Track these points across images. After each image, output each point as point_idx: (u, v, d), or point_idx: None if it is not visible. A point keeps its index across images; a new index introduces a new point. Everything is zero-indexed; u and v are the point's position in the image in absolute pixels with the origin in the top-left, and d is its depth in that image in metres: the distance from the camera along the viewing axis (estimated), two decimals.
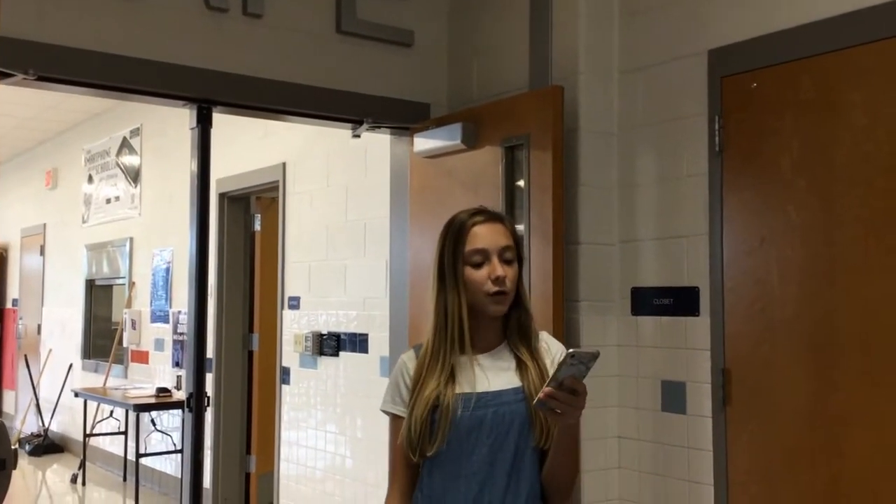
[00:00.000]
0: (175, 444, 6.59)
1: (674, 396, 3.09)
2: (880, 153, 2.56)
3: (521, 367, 1.88)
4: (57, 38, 3.03)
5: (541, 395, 1.67)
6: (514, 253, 1.90)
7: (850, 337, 2.60)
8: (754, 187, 2.87)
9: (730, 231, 2.93)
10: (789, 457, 2.73)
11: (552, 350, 1.94)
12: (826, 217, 2.67)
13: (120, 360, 7.71)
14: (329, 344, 5.07)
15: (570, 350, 1.67)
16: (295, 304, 5.42)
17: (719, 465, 2.91)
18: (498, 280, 1.85)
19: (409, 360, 1.95)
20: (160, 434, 6.79)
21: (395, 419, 1.94)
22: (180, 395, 6.29)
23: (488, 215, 1.93)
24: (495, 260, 1.86)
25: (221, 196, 6.07)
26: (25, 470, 8.12)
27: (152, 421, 6.82)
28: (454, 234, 1.90)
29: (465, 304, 1.86)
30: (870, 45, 2.58)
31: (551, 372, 1.84)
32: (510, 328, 1.92)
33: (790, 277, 2.75)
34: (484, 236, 1.88)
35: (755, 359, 2.84)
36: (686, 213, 3.09)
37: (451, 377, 1.86)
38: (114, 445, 7.59)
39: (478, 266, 1.86)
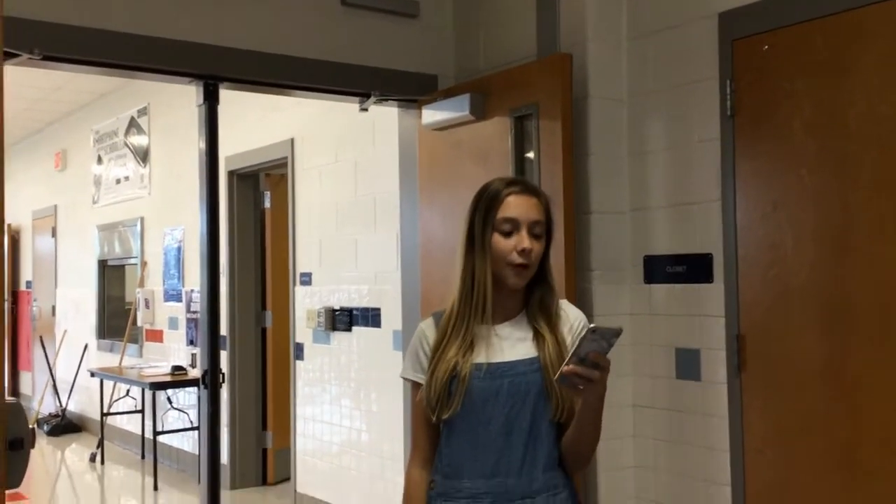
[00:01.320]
0: (192, 422, 6.64)
1: (688, 364, 3.08)
2: (894, 114, 2.52)
3: (538, 338, 1.88)
4: (62, 17, 3.02)
5: (564, 369, 1.66)
6: (544, 229, 1.89)
7: (864, 301, 2.58)
8: (767, 151, 2.84)
9: (742, 196, 2.90)
10: (804, 422, 2.72)
11: (570, 317, 1.93)
12: (840, 180, 2.64)
13: (134, 339, 7.75)
14: (342, 319, 5.08)
15: (592, 325, 1.65)
16: (307, 280, 5.43)
17: (735, 432, 2.91)
18: (524, 252, 1.84)
19: (427, 328, 1.95)
20: (176, 412, 6.84)
21: (414, 386, 1.95)
22: (195, 373, 6.33)
23: (524, 187, 1.91)
24: (524, 231, 1.85)
25: (231, 174, 6.07)
26: (44, 450, 8.20)
27: (168, 399, 6.87)
28: (487, 200, 1.88)
29: (490, 272, 1.86)
30: (882, 4, 2.54)
31: (569, 343, 1.83)
32: (532, 302, 1.92)
33: (804, 242, 2.73)
34: (517, 206, 1.86)
35: (770, 325, 2.82)
36: (698, 180, 3.06)
37: (471, 346, 1.86)
38: (131, 424, 7.65)
39: (507, 235, 1.86)
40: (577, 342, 1.64)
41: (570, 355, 1.65)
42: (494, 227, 1.86)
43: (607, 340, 1.63)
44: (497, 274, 1.86)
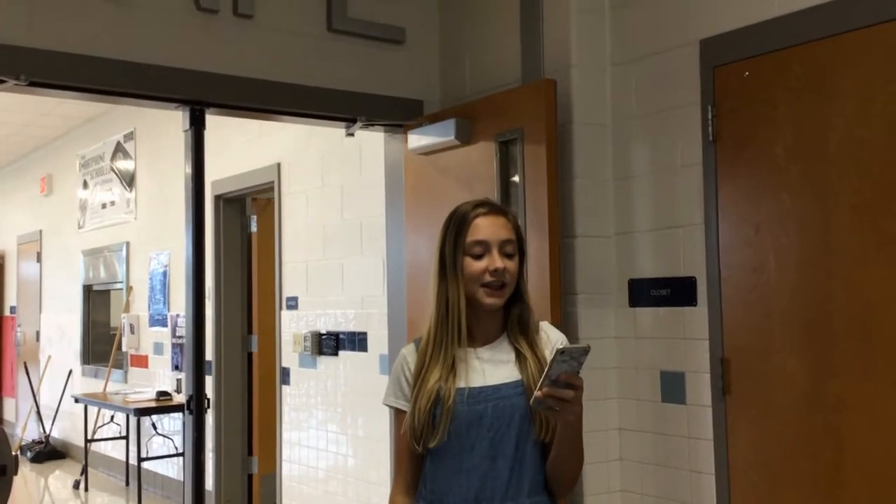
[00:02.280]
0: (177, 448, 6.58)
1: (673, 387, 3.10)
2: (874, 138, 2.56)
3: (520, 359, 1.88)
4: (47, 44, 3.03)
5: (537, 394, 1.67)
6: (516, 247, 1.90)
7: (847, 323, 2.60)
8: (749, 176, 2.87)
9: (725, 220, 2.93)
10: (789, 444, 2.73)
11: (552, 339, 1.94)
12: (821, 204, 2.67)
13: (119, 364, 7.70)
14: (328, 343, 5.07)
15: (560, 347, 1.66)
16: (293, 304, 5.42)
17: (720, 454, 2.92)
18: (496, 272, 1.85)
19: (409, 353, 1.96)
20: (161, 438, 6.79)
21: (397, 413, 1.94)
22: (180, 399, 6.29)
23: (491, 207, 1.93)
24: (495, 252, 1.86)
25: (217, 198, 6.06)
26: (28, 477, 8.11)
27: (153, 425, 6.82)
28: (456, 225, 1.90)
29: (463, 297, 1.87)
30: (860, 31, 2.59)
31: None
32: (510, 322, 1.92)
33: (787, 265, 2.75)
34: (485, 228, 1.88)
35: (754, 347, 2.84)
36: (681, 204, 3.09)
37: (453, 370, 1.86)
38: (115, 450, 7.58)
39: (477, 257, 1.87)
40: (548, 365, 1.66)
41: (542, 379, 1.66)
42: (465, 250, 1.87)
43: (577, 360, 1.65)
44: (473, 296, 1.87)
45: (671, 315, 3.11)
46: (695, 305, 3.03)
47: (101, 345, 8.40)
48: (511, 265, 1.88)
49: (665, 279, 3.14)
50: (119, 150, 7.78)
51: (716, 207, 2.95)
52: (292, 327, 5.41)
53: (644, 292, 3.21)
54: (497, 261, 1.85)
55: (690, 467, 3.03)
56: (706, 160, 2.98)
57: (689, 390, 3.05)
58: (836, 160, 2.64)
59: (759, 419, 2.82)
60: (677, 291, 3.09)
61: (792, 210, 2.74)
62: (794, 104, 2.74)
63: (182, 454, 6.30)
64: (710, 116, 2.96)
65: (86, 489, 7.30)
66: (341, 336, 4.98)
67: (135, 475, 6.69)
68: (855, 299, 2.59)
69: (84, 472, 7.34)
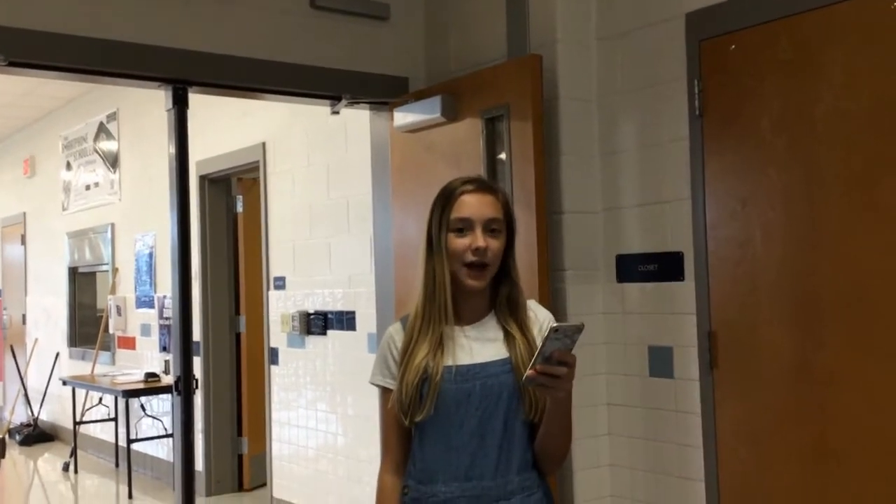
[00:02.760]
0: (166, 429, 6.58)
1: (661, 361, 3.11)
2: (860, 111, 2.56)
3: (508, 338, 1.87)
4: (27, 23, 2.98)
5: (529, 372, 1.66)
6: (503, 226, 1.88)
7: (834, 296, 2.61)
8: (735, 150, 2.87)
9: (712, 195, 2.93)
10: (777, 417, 2.75)
11: (539, 318, 1.93)
12: (807, 177, 2.67)
13: (107, 346, 7.68)
14: (316, 323, 5.06)
15: (554, 325, 1.66)
16: (281, 284, 5.41)
17: (708, 428, 2.94)
18: (478, 251, 1.83)
19: (395, 332, 1.95)
20: (150, 419, 6.79)
21: (384, 392, 1.94)
22: (169, 380, 6.27)
23: (479, 185, 1.90)
24: (478, 230, 1.84)
25: (202, 178, 6.03)
26: (17, 460, 8.10)
27: (142, 406, 6.81)
28: (442, 201, 1.88)
29: (448, 274, 1.85)
30: (847, 3, 2.57)
31: (538, 344, 1.84)
32: (499, 301, 1.91)
33: (773, 239, 2.76)
34: (470, 205, 1.86)
35: (741, 321, 2.85)
36: (668, 179, 3.09)
37: (440, 346, 1.85)
38: (104, 432, 7.57)
39: (461, 233, 1.85)
40: (541, 343, 1.65)
41: (535, 356, 1.66)
42: (449, 227, 1.85)
43: (570, 337, 1.64)
44: (455, 276, 1.86)
45: (659, 290, 3.12)
46: (682, 280, 3.04)
47: (87, 327, 8.36)
48: (495, 244, 1.86)
49: (652, 254, 3.14)
50: (102, 131, 7.71)
51: (702, 182, 2.95)
52: (280, 307, 5.40)
53: (632, 268, 3.21)
54: (479, 239, 1.83)
55: (678, 441, 3.05)
56: (693, 135, 2.98)
57: (676, 364, 3.06)
58: (823, 134, 2.64)
59: (746, 392, 2.84)
60: (664, 266, 3.10)
61: (778, 184, 2.74)
62: (780, 77, 2.74)
63: (171, 435, 6.30)
64: (696, 91, 2.95)
65: (75, 471, 7.29)
66: (329, 315, 4.98)
67: (124, 457, 6.68)
68: (841, 272, 2.60)
69: (73, 454, 7.33)
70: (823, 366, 2.63)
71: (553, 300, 3.16)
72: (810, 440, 2.66)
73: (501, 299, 1.91)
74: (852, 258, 2.57)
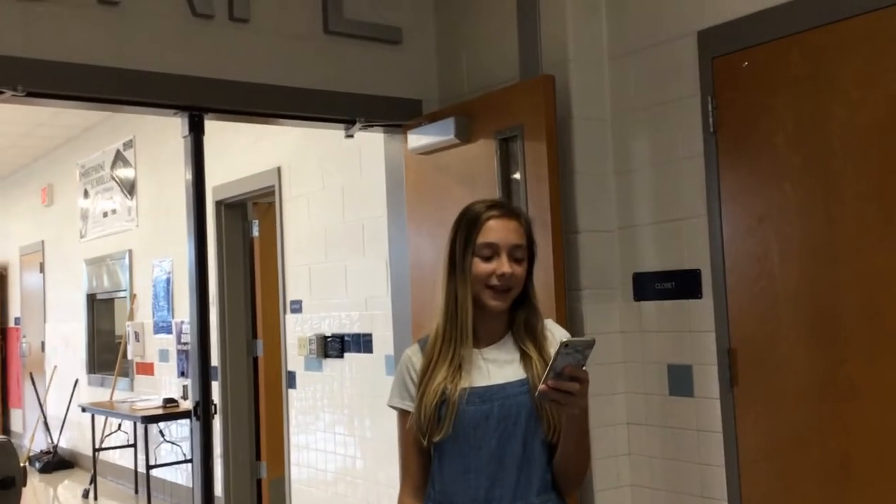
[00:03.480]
0: (185, 454, 6.58)
1: (681, 380, 3.09)
2: (875, 125, 2.55)
3: (525, 358, 1.87)
4: (44, 53, 3.02)
5: (541, 387, 1.66)
6: (525, 252, 1.89)
7: (853, 311, 2.59)
8: (750, 166, 2.86)
9: (728, 211, 2.92)
10: (799, 434, 2.72)
11: (556, 337, 1.93)
12: (823, 192, 2.66)
13: (125, 373, 7.70)
14: (333, 346, 5.06)
15: (564, 340, 1.65)
16: (297, 307, 5.42)
17: (729, 446, 2.91)
18: (503, 277, 1.84)
19: (413, 354, 1.95)
20: (169, 445, 6.79)
21: (402, 414, 1.93)
22: (187, 405, 6.29)
23: (505, 210, 1.91)
24: (504, 256, 1.85)
25: (218, 203, 6.06)
26: (37, 487, 8.12)
27: (161, 432, 6.82)
28: (468, 224, 1.89)
29: (470, 296, 1.86)
30: (859, 18, 2.57)
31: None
32: (517, 325, 1.91)
33: (791, 254, 2.74)
34: (497, 230, 1.86)
35: (760, 338, 2.83)
36: (683, 196, 3.08)
37: (459, 369, 1.85)
38: (123, 459, 7.58)
39: (486, 259, 1.86)
40: (553, 358, 1.65)
41: (546, 371, 1.65)
42: (474, 251, 1.86)
43: (581, 353, 1.63)
44: (478, 297, 1.86)
45: (676, 308, 3.10)
46: (700, 297, 3.02)
47: (106, 353, 8.40)
48: (519, 270, 1.86)
49: (669, 272, 3.13)
50: (119, 159, 7.77)
51: (718, 198, 2.94)
52: (297, 331, 5.40)
53: (649, 286, 3.20)
54: (505, 265, 1.84)
55: (700, 460, 3.02)
56: (707, 151, 2.97)
57: (696, 383, 3.04)
58: (838, 148, 2.63)
59: (768, 410, 2.81)
60: (682, 284, 3.08)
61: (794, 199, 2.73)
62: (794, 93, 2.73)
63: (190, 461, 6.30)
64: (710, 107, 2.95)
65: (95, 498, 7.30)
66: (346, 338, 4.97)
67: (144, 483, 6.69)
68: (861, 286, 2.58)
69: (93, 480, 7.34)
70: (845, 381, 2.61)
71: (570, 319, 3.15)
72: (834, 457, 2.63)
73: (519, 323, 1.91)
74: (871, 271, 2.55)
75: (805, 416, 2.71)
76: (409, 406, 1.90)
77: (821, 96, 2.67)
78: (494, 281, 1.84)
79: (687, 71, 3.04)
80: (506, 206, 1.94)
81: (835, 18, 2.62)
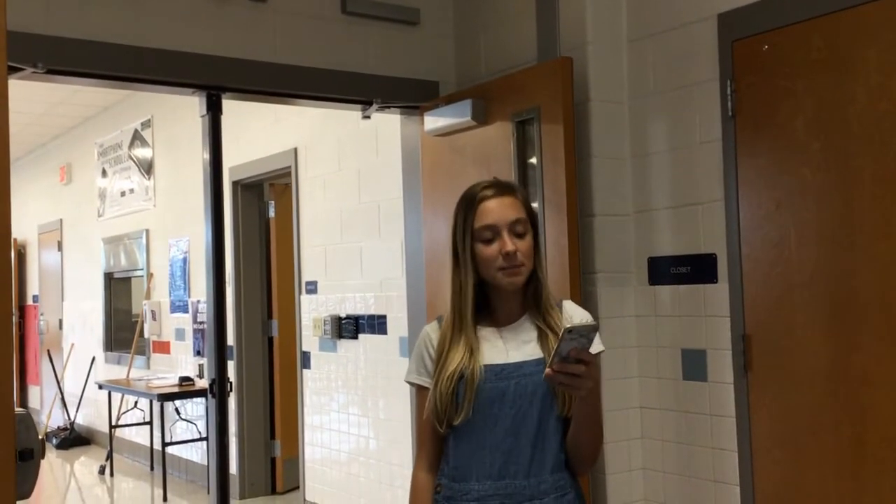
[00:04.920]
0: (200, 432, 6.64)
1: (695, 364, 3.09)
2: (895, 110, 2.53)
3: (542, 337, 1.88)
4: (64, 31, 3.04)
5: (547, 371, 1.68)
6: (527, 224, 1.89)
7: (869, 297, 2.58)
8: (769, 151, 2.85)
9: (745, 196, 2.90)
10: (812, 420, 2.72)
11: (574, 318, 1.93)
12: (842, 178, 2.65)
13: (142, 351, 7.77)
14: (348, 327, 5.08)
15: (568, 326, 1.67)
16: (312, 288, 5.44)
17: (743, 432, 2.91)
18: (508, 255, 1.84)
19: (432, 331, 1.96)
20: (185, 423, 6.85)
21: (420, 389, 1.95)
22: (203, 384, 6.34)
23: (498, 188, 1.91)
24: (505, 235, 1.85)
25: (235, 184, 6.09)
26: (53, 463, 8.22)
27: (176, 410, 6.88)
28: (464, 210, 1.89)
29: (472, 282, 1.87)
30: (880, 2, 2.55)
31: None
32: (527, 300, 1.92)
33: (808, 240, 2.73)
34: (493, 211, 1.86)
35: (775, 323, 2.82)
36: (700, 180, 3.07)
37: (474, 349, 1.86)
38: (139, 436, 7.66)
39: (488, 242, 1.86)
40: (557, 343, 1.66)
41: (552, 356, 1.67)
42: (475, 236, 1.87)
43: (586, 336, 1.65)
44: (493, 280, 1.87)
45: (692, 292, 3.10)
46: (715, 282, 3.01)
47: (123, 332, 8.47)
48: (523, 244, 1.86)
49: (685, 256, 3.12)
50: (137, 138, 7.81)
51: (736, 183, 2.93)
52: (312, 311, 5.43)
53: (664, 270, 3.19)
54: (507, 244, 1.84)
55: (713, 445, 3.02)
56: (726, 136, 2.96)
57: (710, 368, 3.03)
58: (858, 134, 2.61)
59: (781, 395, 2.81)
60: (698, 268, 3.08)
61: (813, 184, 2.71)
62: (814, 77, 2.71)
63: (205, 438, 6.37)
64: (729, 91, 2.93)
65: (111, 474, 7.38)
66: (361, 319, 5.00)
67: (159, 460, 6.75)
68: (878, 273, 2.56)
69: (109, 457, 7.42)
70: (860, 367, 2.60)
71: (585, 303, 3.15)
72: (847, 443, 2.63)
73: (529, 297, 1.92)
74: (888, 258, 2.54)
75: (819, 402, 2.70)
76: (427, 382, 1.91)
77: (841, 81, 2.64)
78: (501, 262, 1.84)
79: (706, 54, 3.02)
80: (498, 183, 1.93)
81: (856, 2, 2.60)
